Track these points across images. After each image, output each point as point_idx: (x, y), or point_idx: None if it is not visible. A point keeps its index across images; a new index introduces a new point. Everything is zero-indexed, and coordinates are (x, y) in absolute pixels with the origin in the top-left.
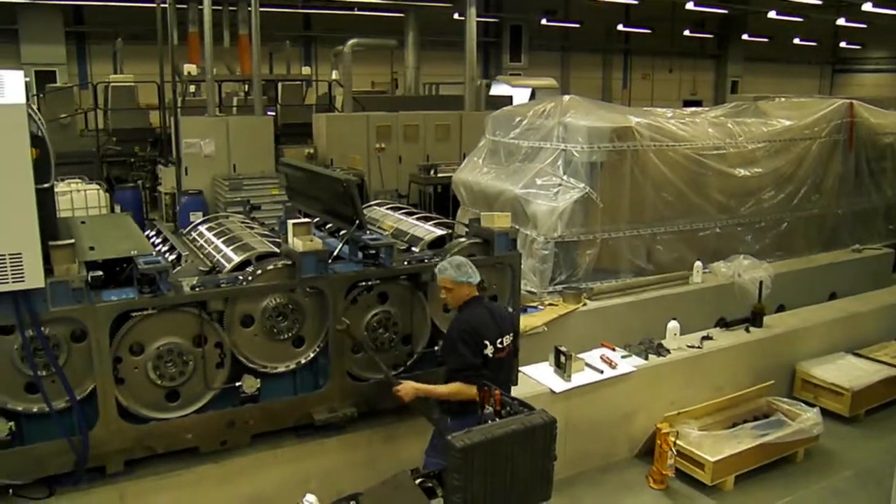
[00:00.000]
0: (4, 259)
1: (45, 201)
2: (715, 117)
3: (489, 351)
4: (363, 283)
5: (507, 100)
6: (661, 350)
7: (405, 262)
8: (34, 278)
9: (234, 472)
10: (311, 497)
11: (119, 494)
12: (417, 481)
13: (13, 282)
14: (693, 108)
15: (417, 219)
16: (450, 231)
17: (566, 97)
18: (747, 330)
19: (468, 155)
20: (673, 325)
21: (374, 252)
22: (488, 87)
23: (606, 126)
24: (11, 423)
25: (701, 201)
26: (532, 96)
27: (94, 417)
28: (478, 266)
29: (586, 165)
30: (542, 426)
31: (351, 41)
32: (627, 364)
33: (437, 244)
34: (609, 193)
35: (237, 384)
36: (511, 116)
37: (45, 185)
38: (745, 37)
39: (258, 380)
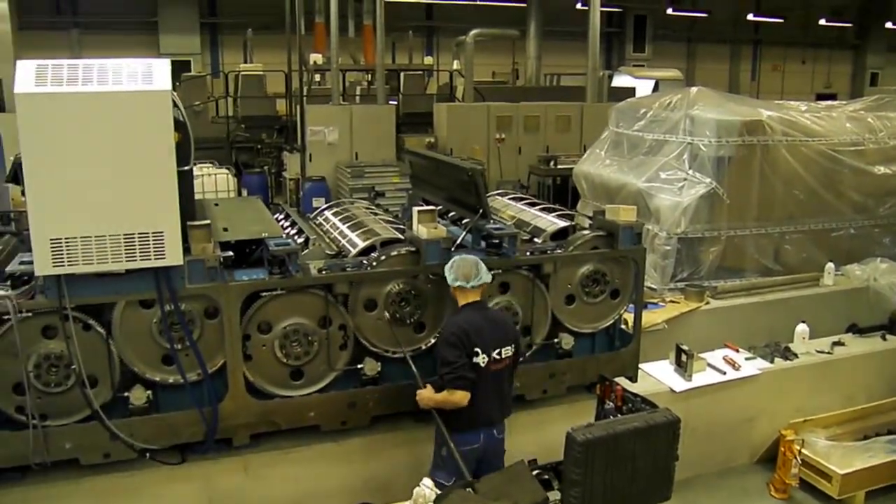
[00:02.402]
0: (147, 237)
1: (185, 183)
2: (854, 111)
3: (481, 360)
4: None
5: (630, 91)
6: (787, 354)
7: (528, 253)
8: (174, 256)
9: (352, 453)
10: (427, 481)
11: (244, 465)
12: (534, 473)
13: (155, 259)
14: (828, 102)
15: (540, 210)
16: (573, 223)
17: (694, 89)
18: (884, 338)
19: (589, 147)
20: (801, 328)
21: (497, 241)
22: (610, 78)
23: (736, 119)
24: (149, 392)
25: (835, 200)
26: (655, 88)
27: (223, 391)
28: (601, 259)
29: (713, 160)
30: (666, 425)
31: (473, 31)
32: (752, 366)
33: (560, 236)
34: (736, 189)
35: (359, 366)
36: (636, 108)
37: (185, 168)
38: (888, 25)
39: (379, 363)
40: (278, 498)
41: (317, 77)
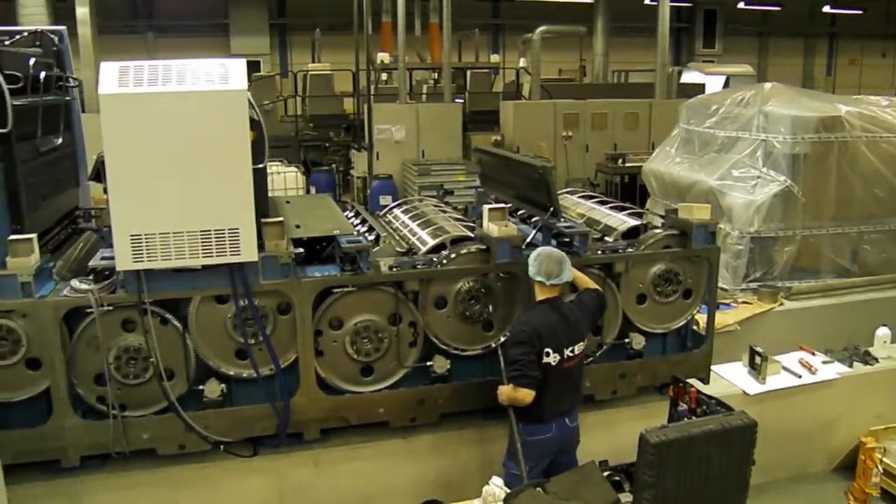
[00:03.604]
0: (223, 233)
1: (259, 181)
2: None
3: (552, 359)
4: None
5: (699, 88)
6: (867, 358)
7: (598, 251)
8: (249, 252)
9: (420, 449)
10: (497, 480)
11: (314, 460)
12: (605, 474)
13: (230, 255)
14: None
15: (610, 208)
16: (644, 222)
17: (767, 84)
18: None
19: (658, 144)
20: (883, 331)
21: (568, 240)
22: (679, 74)
23: (812, 115)
24: (223, 386)
25: None
26: (726, 84)
27: (295, 386)
28: (674, 259)
29: (788, 157)
30: (741, 428)
31: (540, 29)
32: (829, 370)
33: (631, 234)
34: (812, 187)
35: (428, 363)
36: (707, 105)
37: (260, 166)
38: None
39: (448, 360)
40: (347, 493)
41: (384, 76)
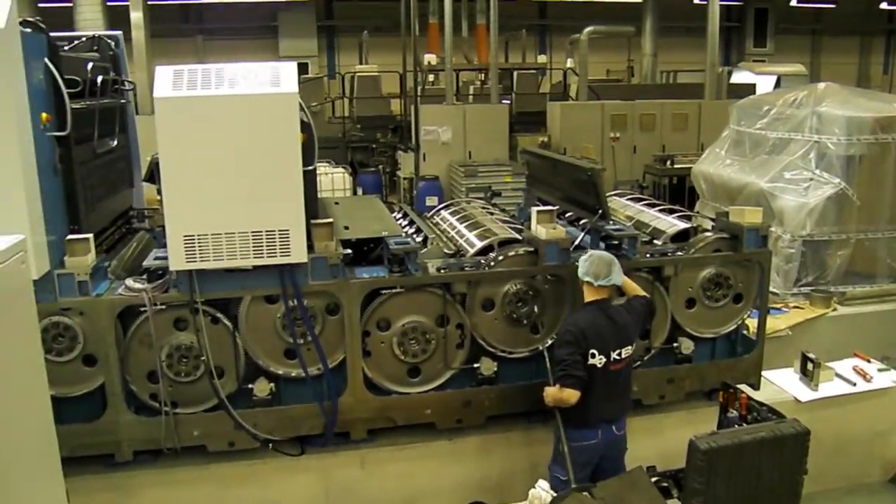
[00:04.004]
0: (274, 234)
1: (309, 182)
2: None
3: (598, 361)
4: None
5: (750, 88)
6: None
7: (647, 255)
8: (299, 253)
9: (465, 451)
10: (543, 483)
11: (360, 460)
12: (653, 479)
13: (281, 255)
14: None
15: (659, 211)
16: (693, 225)
17: (821, 84)
18: None
19: (707, 146)
20: None
21: (616, 243)
22: (729, 74)
23: (868, 116)
24: (272, 385)
25: None
26: (777, 84)
27: (343, 386)
28: (724, 262)
29: (842, 159)
30: (794, 436)
31: (587, 29)
32: (885, 378)
33: (680, 238)
34: (867, 190)
35: (475, 366)
36: (758, 105)
37: (310, 168)
38: None
39: (495, 363)
40: (393, 493)
41: (430, 77)
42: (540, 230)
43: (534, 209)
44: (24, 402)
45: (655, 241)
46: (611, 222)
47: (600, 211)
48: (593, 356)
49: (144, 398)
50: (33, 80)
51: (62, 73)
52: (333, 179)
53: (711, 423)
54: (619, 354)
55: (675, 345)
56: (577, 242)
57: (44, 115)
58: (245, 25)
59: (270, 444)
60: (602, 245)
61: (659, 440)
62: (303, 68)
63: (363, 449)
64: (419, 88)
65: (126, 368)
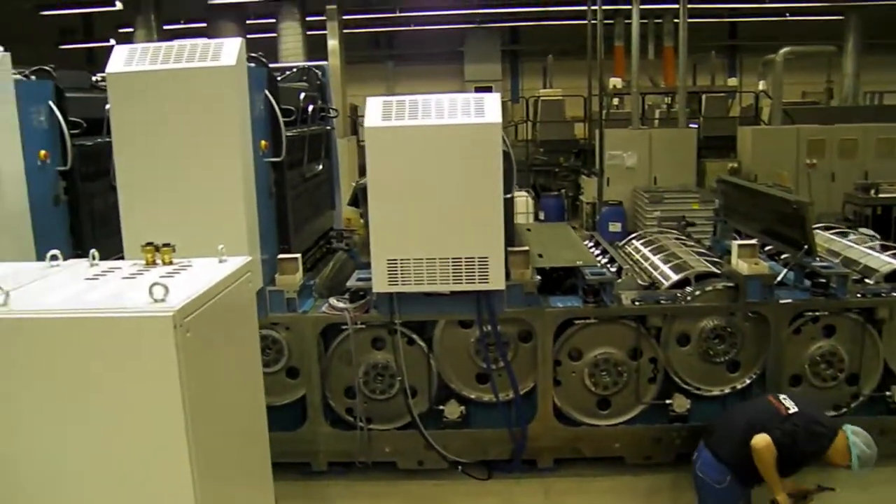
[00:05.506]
0: (473, 261)
1: (507, 210)
2: None
3: None
4: (809, 314)
5: None
6: None
7: (858, 294)
8: (497, 280)
9: (654, 489)
10: None
11: (545, 489)
12: None
13: (479, 282)
14: None
15: (868, 247)
16: None
17: None
18: None
19: None
20: None
21: (824, 281)
22: None
23: None
24: (462, 408)
25: None
26: None
27: (531, 413)
28: None
29: None
30: None
31: (784, 49)
32: None
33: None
34: None
35: (667, 401)
36: None
37: (508, 196)
38: None
39: (688, 400)
40: None
41: (615, 101)
42: (741, 265)
43: (734, 242)
44: (250, 406)
45: (867, 280)
46: (816, 258)
47: (806, 246)
48: None
49: (341, 412)
50: (255, 111)
51: (279, 104)
52: (516, 203)
53: None
54: None
55: (887, 393)
56: (779, 279)
57: (263, 142)
58: (432, 51)
59: (460, 467)
60: (807, 282)
61: (870, 496)
62: (487, 92)
63: (548, 478)
64: (604, 112)
65: (325, 383)
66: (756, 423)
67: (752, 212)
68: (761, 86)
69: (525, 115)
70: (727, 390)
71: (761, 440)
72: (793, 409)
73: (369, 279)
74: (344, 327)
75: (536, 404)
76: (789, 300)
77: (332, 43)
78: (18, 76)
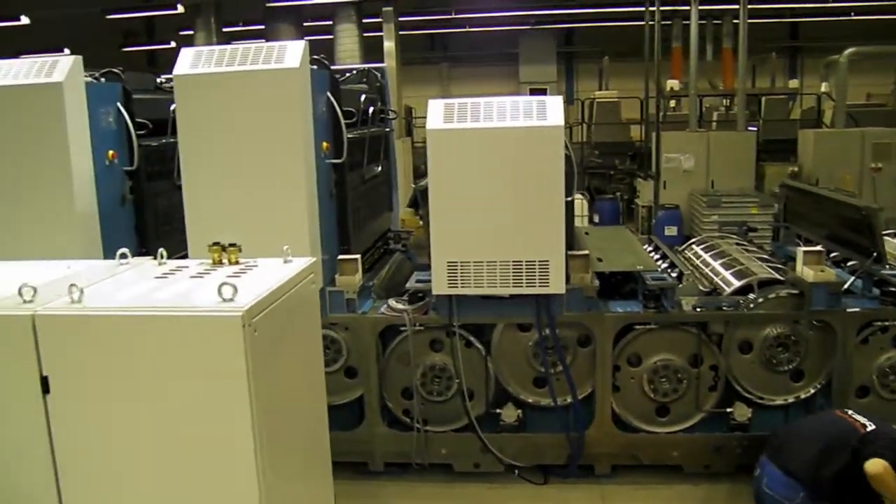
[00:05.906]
0: (534, 265)
1: (568, 214)
2: None
3: None
4: (878, 323)
5: None
6: None
7: None
8: (557, 285)
9: (712, 499)
10: None
11: (601, 495)
12: None
13: (539, 286)
14: None
15: None
16: None
17: None
18: None
19: None
20: None
21: (894, 290)
22: None
23: None
24: (519, 412)
25: None
26: None
27: (589, 419)
28: None
29: None
30: None
31: (849, 50)
32: None
33: None
34: None
35: (728, 410)
36: None
37: (569, 199)
38: None
39: (750, 409)
40: None
41: (672, 103)
42: (807, 272)
43: (800, 248)
44: (313, 405)
45: None
46: (886, 266)
47: (875, 253)
48: None
49: (398, 413)
50: (317, 112)
51: (341, 105)
52: None
53: None
54: None
55: None
56: (847, 286)
57: (325, 143)
58: (487, 53)
59: (516, 471)
60: (876, 291)
61: None
62: (541, 94)
63: (605, 484)
64: (660, 114)
65: (383, 383)
66: (833, 442)
67: (816, 217)
68: (823, 87)
69: (580, 117)
70: (790, 399)
71: (877, 465)
72: (869, 426)
73: (428, 281)
74: (403, 329)
75: (594, 410)
76: (857, 309)
77: (388, 44)
78: (88, 78)
